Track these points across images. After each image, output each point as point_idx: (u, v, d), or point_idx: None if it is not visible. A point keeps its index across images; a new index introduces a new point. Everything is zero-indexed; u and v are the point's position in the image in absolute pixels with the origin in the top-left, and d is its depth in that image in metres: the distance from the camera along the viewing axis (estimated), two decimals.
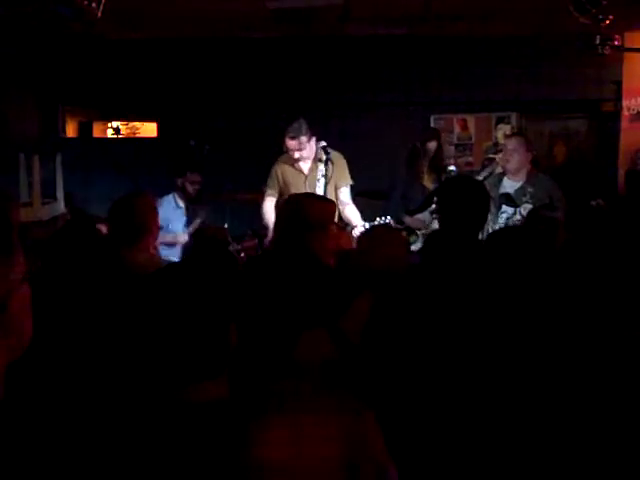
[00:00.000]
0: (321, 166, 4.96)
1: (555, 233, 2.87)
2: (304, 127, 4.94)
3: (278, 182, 5.14)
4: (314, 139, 5.01)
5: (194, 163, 5.84)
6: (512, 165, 4.86)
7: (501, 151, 5.42)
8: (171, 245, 5.56)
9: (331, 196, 4.87)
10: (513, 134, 6.30)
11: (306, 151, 4.96)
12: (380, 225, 4.81)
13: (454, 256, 3.06)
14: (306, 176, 5.03)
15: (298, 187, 4.99)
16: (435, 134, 6.20)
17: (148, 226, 3.50)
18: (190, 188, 5.80)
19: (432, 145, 5.95)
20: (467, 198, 3.27)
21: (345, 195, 5.10)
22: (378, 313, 2.48)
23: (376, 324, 2.46)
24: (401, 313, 2.54)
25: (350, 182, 5.13)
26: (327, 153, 4.93)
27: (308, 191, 4.95)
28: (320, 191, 4.91)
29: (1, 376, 1.25)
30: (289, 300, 2.65)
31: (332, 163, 4.92)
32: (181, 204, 5.82)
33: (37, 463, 1.33)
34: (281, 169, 5.17)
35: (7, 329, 1.24)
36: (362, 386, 2.13)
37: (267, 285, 2.79)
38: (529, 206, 4.66)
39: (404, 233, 5.07)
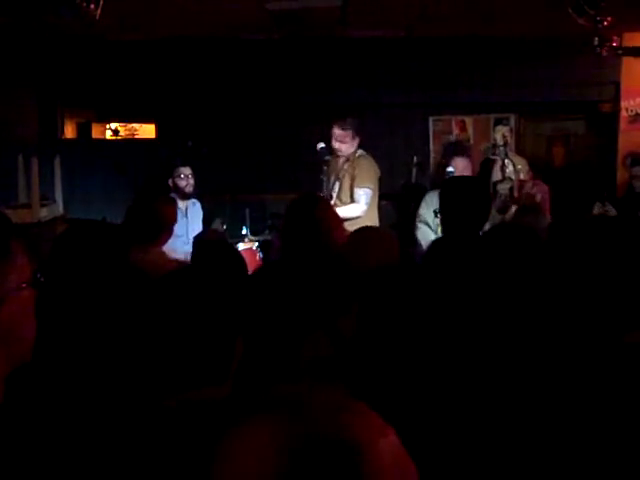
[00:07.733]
0: (346, 165, 5.30)
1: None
2: (356, 125, 5.26)
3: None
4: (356, 142, 5.30)
5: (182, 159, 5.73)
6: None
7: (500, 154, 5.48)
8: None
9: (346, 195, 5.24)
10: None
11: (345, 146, 5.25)
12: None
13: (455, 257, 3.06)
14: (337, 173, 5.32)
15: (329, 181, 5.36)
16: None
17: (166, 228, 3.62)
18: (182, 183, 5.64)
19: None
20: (468, 198, 3.29)
21: (356, 197, 5.25)
22: (371, 312, 2.45)
23: (370, 324, 2.43)
24: (398, 312, 2.53)
25: (367, 186, 5.24)
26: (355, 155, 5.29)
27: (330, 186, 5.32)
28: (336, 188, 5.29)
29: (1, 385, 1.22)
30: (291, 303, 2.63)
31: (354, 164, 5.25)
32: (179, 205, 5.72)
33: (38, 468, 1.32)
34: (330, 161, 5.45)
35: (4, 337, 1.22)
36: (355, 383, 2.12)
37: (273, 291, 2.78)
38: None
39: None
